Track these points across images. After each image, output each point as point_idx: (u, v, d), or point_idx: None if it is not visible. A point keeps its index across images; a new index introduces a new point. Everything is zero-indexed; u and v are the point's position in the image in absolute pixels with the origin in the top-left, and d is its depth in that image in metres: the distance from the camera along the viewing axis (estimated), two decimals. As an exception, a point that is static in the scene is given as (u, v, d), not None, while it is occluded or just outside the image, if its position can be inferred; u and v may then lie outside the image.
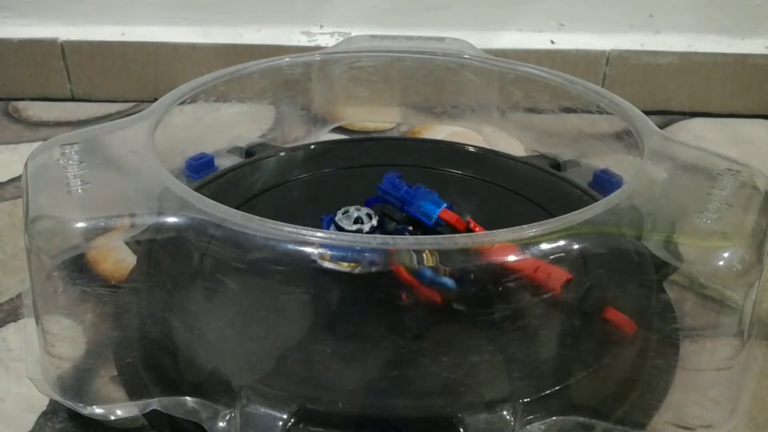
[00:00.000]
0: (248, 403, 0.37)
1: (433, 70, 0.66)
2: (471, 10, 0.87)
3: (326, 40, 0.87)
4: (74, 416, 0.43)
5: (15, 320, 0.51)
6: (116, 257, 0.54)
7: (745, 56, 0.85)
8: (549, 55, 0.85)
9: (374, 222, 0.47)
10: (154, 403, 0.39)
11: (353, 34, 0.87)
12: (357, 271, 0.34)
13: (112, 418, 0.40)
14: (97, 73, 0.89)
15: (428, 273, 0.36)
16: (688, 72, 0.86)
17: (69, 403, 0.40)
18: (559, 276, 0.37)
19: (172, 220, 0.37)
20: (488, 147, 0.66)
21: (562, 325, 0.40)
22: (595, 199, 0.55)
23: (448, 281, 0.36)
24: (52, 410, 0.43)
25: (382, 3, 0.87)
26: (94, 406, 0.40)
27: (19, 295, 0.54)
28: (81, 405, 0.40)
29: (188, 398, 0.39)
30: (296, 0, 0.88)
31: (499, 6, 0.87)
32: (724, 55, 0.85)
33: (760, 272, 0.40)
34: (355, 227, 0.47)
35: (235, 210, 0.36)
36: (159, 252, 0.43)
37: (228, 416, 0.38)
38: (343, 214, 0.48)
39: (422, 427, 0.37)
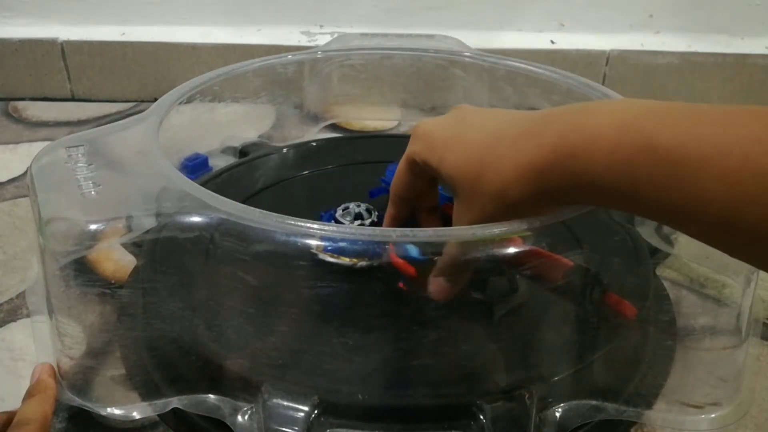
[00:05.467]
0: (270, 398, 0.37)
1: (422, 67, 0.66)
2: (471, 10, 0.87)
3: (326, 40, 0.87)
4: (74, 416, 0.43)
5: (15, 320, 0.51)
6: (116, 258, 0.54)
7: (745, 56, 0.85)
8: (549, 55, 0.85)
9: (374, 217, 0.47)
10: (174, 402, 0.39)
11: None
12: (376, 263, 0.35)
13: (136, 416, 0.41)
14: (97, 73, 0.90)
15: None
16: (688, 72, 0.86)
17: (88, 405, 0.40)
18: (560, 264, 0.38)
19: (192, 219, 0.37)
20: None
21: (567, 311, 0.40)
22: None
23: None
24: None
25: (382, 3, 0.87)
26: (114, 408, 0.40)
27: (18, 295, 0.54)
28: (100, 406, 0.40)
29: (209, 395, 0.39)
30: (296, 0, 0.88)
31: (499, 6, 0.87)
32: (724, 55, 0.85)
33: None
34: (356, 223, 0.47)
35: (254, 208, 0.36)
36: (176, 251, 0.43)
37: (249, 411, 0.38)
38: (343, 210, 0.48)
39: (442, 416, 0.38)
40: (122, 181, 0.41)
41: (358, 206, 0.48)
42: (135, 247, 0.47)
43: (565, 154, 0.30)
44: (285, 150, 0.65)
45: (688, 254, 0.46)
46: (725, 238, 0.27)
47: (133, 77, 0.90)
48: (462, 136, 0.36)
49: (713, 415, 0.41)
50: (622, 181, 0.28)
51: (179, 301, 0.42)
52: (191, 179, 0.40)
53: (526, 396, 0.37)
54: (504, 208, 0.34)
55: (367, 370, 0.39)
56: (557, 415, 0.38)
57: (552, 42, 0.87)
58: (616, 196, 0.29)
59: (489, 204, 0.34)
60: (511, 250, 0.35)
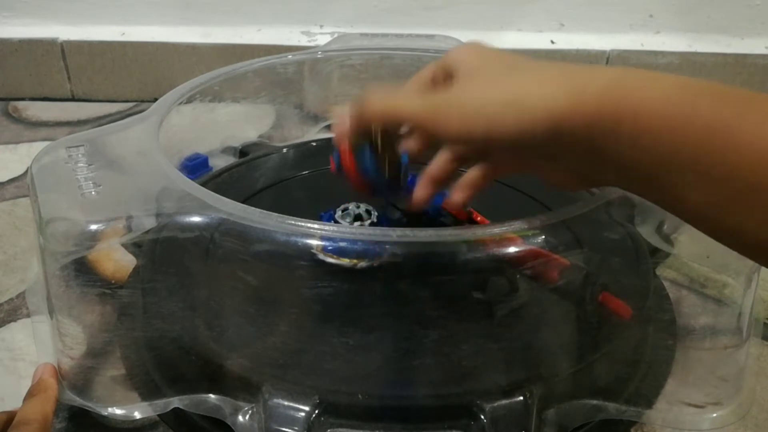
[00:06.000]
0: (270, 398, 0.37)
1: (422, 67, 0.66)
2: (471, 10, 0.87)
3: (326, 40, 0.87)
4: (74, 416, 0.43)
5: (15, 320, 0.51)
6: (116, 258, 0.54)
7: (745, 56, 0.85)
8: (549, 55, 0.85)
9: (374, 218, 0.47)
10: (175, 402, 0.40)
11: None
12: (377, 264, 0.35)
13: (137, 416, 0.41)
14: (97, 73, 0.90)
15: None
16: (688, 72, 0.86)
17: (89, 405, 0.40)
18: (556, 264, 0.38)
19: (192, 219, 0.37)
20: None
21: (566, 311, 0.40)
22: (588, 191, 0.56)
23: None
24: (52, 410, 0.44)
25: (382, 3, 0.87)
26: (115, 408, 0.40)
27: (18, 295, 0.54)
28: (101, 406, 0.40)
29: (209, 395, 0.39)
30: (296, 0, 0.88)
31: (499, 6, 0.87)
32: (724, 55, 0.85)
33: None
34: (356, 224, 0.47)
35: (254, 208, 0.36)
36: (176, 251, 0.43)
37: (250, 411, 0.38)
38: (342, 211, 0.48)
39: (442, 416, 0.38)
40: (122, 181, 0.41)
41: (358, 207, 0.48)
42: (135, 247, 0.47)
43: (613, 101, 0.28)
44: (285, 150, 0.65)
45: (688, 254, 0.46)
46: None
47: (133, 77, 0.90)
48: (518, 60, 0.34)
49: (714, 415, 0.41)
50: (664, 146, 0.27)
51: (179, 301, 0.42)
52: (191, 179, 0.40)
53: (527, 396, 0.37)
54: (499, 110, 0.30)
55: (367, 370, 0.39)
56: (558, 415, 0.38)
57: (552, 42, 0.87)
58: (645, 159, 0.28)
59: (494, 92, 0.31)
60: (511, 249, 0.36)
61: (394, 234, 0.35)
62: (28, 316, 0.51)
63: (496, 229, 0.35)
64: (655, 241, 0.42)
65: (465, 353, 0.39)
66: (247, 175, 0.60)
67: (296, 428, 0.36)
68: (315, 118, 0.73)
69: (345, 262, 0.35)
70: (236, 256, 0.37)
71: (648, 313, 0.45)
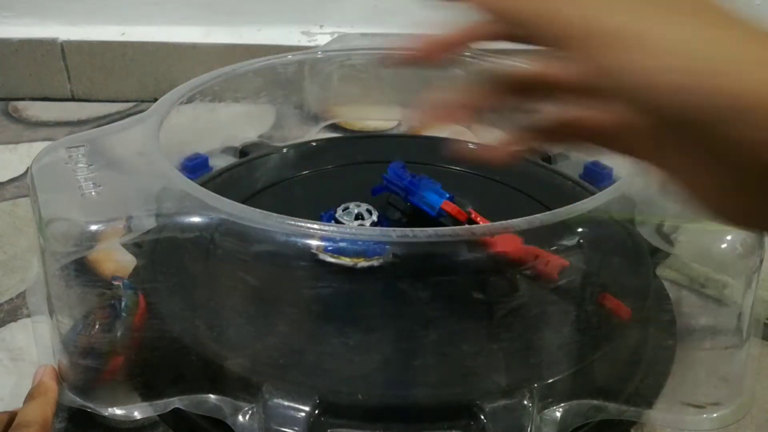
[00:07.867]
0: (270, 398, 0.37)
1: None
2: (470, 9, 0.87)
3: (326, 40, 0.87)
4: (74, 416, 0.43)
5: (15, 320, 0.51)
6: (116, 258, 0.54)
7: (745, 56, 0.85)
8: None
9: (374, 218, 0.47)
10: (175, 402, 0.40)
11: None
12: (377, 263, 0.35)
13: (137, 416, 0.41)
14: (97, 73, 0.90)
15: None
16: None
17: (90, 406, 0.40)
18: (556, 264, 0.38)
19: (192, 219, 0.37)
20: (480, 142, 0.67)
21: (566, 311, 0.40)
22: (587, 191, 0.56)
23: None
24: (52, 410, 0.43)
25: (382, 3, 0.87)
26: (115, 408, 0.40)
27: (18, 295, 0.54)
28: (101, 407, 0.40)
29: (209, 396, 0.39)
30: (296, 0, 0.88)
31: (499, 6, 0.87)
32: (724, 54, 0.85)
33: (761, 259, 0.40)
34: (356, 223, 0.47)
35: (254, 208, 0.36)
36: (176, 252, 0.43)
37: (250, 411, 0.38)
38: (343, 210, 0.48)
39: (442, 416, 0.38)
40: (122, 181, 0.41)
41: (358, 206, 0.48)
42: (135, 247, 0.47)
43: None
44: (285, 150, 0.65)
45: (688, 254, 0.46)
46: None
47: (133, 77, 0.90)
48: None
49: (714, 415, 0.41)
50: None
51: (180, 301, 0.42)
52: (191, 179, 0.40)
53: (526, 396, 0.37)
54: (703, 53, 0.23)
55: (367, 370, 0.39)
56: (558, 415, 0.38)
57: (552, 42, 0.87)
58: None
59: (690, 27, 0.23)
60: (510, 249, 0.36)
61: (394, 234, 0.35)
62: (28, 316, 0.51)
63: (496, 229, 0.35)
64: (655, 241, 0.42)
65: (465, 353, 0.39)
66: (247, 175, 0.60)
67: (296, 428, 0.36)
68: (315, 118, 0.73)
69: (345, 261, 0.35)
70: (236, 256, 0.37)
71: (648, 314, 0.45)
